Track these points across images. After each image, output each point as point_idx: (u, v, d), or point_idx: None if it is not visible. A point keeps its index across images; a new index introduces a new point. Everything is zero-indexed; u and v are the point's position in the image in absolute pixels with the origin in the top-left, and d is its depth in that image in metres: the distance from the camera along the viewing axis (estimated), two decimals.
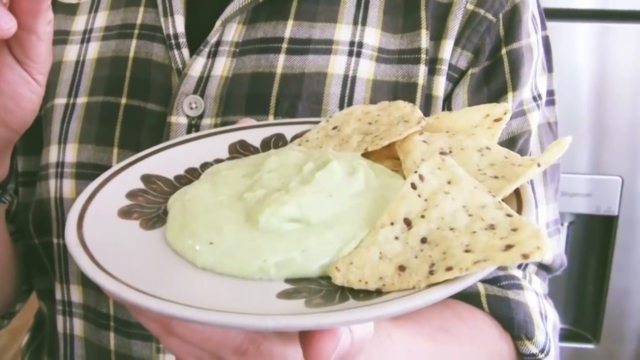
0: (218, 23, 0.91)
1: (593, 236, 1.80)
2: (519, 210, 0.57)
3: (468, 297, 0.90)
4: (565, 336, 1.82)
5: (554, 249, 1.00)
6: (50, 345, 1.05)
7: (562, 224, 1.29)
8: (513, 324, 0.89)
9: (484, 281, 0.92)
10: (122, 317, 0.94)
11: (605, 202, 1.70)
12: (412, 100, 0.90)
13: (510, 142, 0.93)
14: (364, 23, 0.92)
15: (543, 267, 1.01)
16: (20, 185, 1.02)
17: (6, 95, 0.71)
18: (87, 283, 0.96)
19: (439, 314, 0.85)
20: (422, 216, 0.54)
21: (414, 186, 0.56)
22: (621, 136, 1.68)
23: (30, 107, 0.73)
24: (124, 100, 0.94)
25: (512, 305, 0.90)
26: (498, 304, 0.90)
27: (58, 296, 0.99)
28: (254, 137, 0.76)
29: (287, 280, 0.54)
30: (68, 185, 0.94)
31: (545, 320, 0.94)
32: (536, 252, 0.47)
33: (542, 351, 0.90)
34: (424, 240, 0.53)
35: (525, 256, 0.47)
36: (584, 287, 1.83)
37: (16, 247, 1.04)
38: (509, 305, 0.90)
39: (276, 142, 0.75)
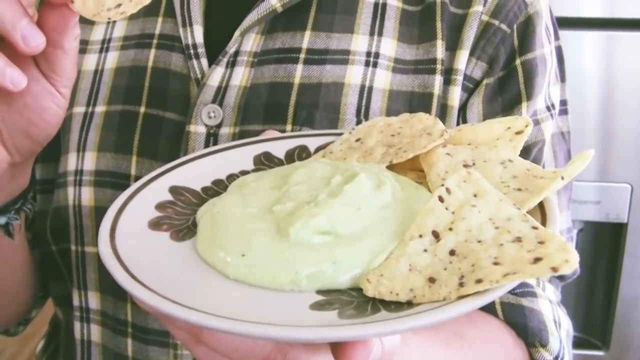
0: (237, 33, 0.92)
1: (602, 243, 1.80)
2: (543, 222, 0.58)
3: None
4: (574, 343, 1.79)
5: (577, 257, 1.01)
6: (67, 351, 1.05)
7: None
8: (527, 331, 0.90)
9: None
10: (139, 323, 0.95)
11: (614, 209, 1.70)
12: (427, 110, 0.91)
13: (524, 151, 0.94)
14: (380, 34, 0.93)
15: (556, 275, 1.02)
16: (38, 192, 1.03)
17: (31, 109, 0.71)
18: (104, 290, 0.97)
19: (454, 320, 0.85)
20: (450, 229, 0.55)
21: (441, 199, 0.57)
22: (629, 143, 1.68)
23: (54, 119, 0.73)
24: (142, 109, 0.94)
25: (526, 313, 0.91)
26: (512, 311, 0.91)
27: (75, 302, 0.99)
28: (278, 148, 0.77)
29: (319, 292, 0.55)
30: (86, 193, 0.95)
31: (559, 327, 0.95)
32: (565, 265, 0.48)
33: (556, 358, 0.91)
34: (452, 253, 0.54)
35: (554, 269, 0.48)
36: (593, 294, 1.83)
37: (33, 254, 1.04)
38: (523, 313, 0.91)
39: (300, 153, 0.76)
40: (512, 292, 0.93)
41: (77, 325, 1.00)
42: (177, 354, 0.93)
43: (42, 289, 1.10)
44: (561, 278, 1.03)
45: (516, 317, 0.91)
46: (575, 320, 1.81)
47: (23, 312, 1.10)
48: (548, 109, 0.97)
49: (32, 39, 0.64)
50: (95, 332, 0.99)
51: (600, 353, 1.82)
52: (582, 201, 1.68)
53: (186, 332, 0.57)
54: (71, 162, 0.97)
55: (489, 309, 0.91)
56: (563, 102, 1.02)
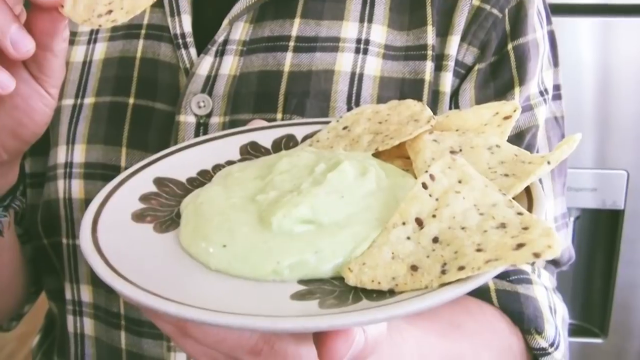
0: (225, 22, 0.91)
1: (599, 231, 1.80)
2: (530, 208, 0.57)
3: (478, 292, 0.90)
4: (573, 331, 1.80)
5: (562, 243, 1.01)
6: (60, 345, 1.05)
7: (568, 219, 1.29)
8: (523, 318, 0.90)
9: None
10: (132, 316, 0.94)
11: (610, 196, 1.70)
12: (419, 96, 0.90)
13: (518, 137, 0.93)
14: (370, 20, 0.92)
15: (551, 261, 1.01)
16: (28, 186, 1.02)
17: (20, 110, 0.71)
18: (97, 283, 0.97)
19: (449, 309, 0.85)
20: (434, 216, 0.54)
21: (425, 186, 0.56)
22: (626, 130, 1.68)
23: (43, 119, 0.73)
24: (131, 100, 0.94)
25: (522, 300, 0.91)
26: (508, 299, 0.90)
27: (68, 296, 0.99)
28: (265, 138, 0.76)
29: (301, 282, 0.54)
30: (77, 185, 0.95)
31: (555, 314, 0.94)
32: (547, 251, 0.47)
33: (552, 345, 0.91)
34: (435, 240, 0.53)
35: (536, 255, 0.47)
36: (591, 282, 1.83)
37: (24, 249, 1.04)
38: (519, 300, 0.91)
39: (287, 142, 0.75)
40: (507, 279, 0.92)
41: (70, 318, 1.00)
42: (170, 345, 0.92)
43: (35, 284, 1.09)
44: (556, 264, 1.03)
45: (512, 304, 0.90)
46: (573, 308, 1.82)
47: (15, 308, 1.10)
48: (541, 93, 0.97)
49: (22, 45, 0.63)
50: (89, 326, 0.99)
51: (599, 340, 1.82)
52: (578, 188, 1.68)
53: (172, 325, 0.57)
54: (61, 155, 0.96)
55: (484, 296, 0.91)
56: (556, 87, 1.02)
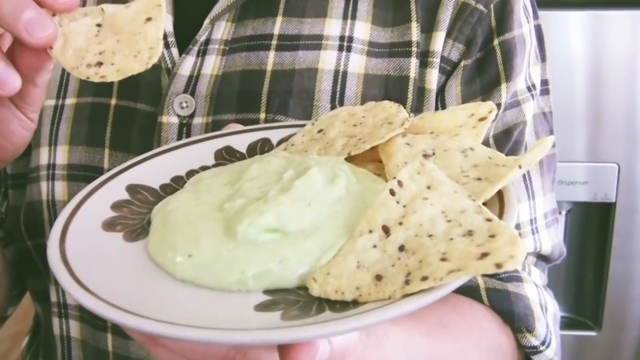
0: (207, 21, 0.90)
1: (591, 224, 1.81)
2: (501, 213, 0.56)
3: (467, 290, 0.90)
4: (566, 324, 1.81)
5: (552, 238, 1.00)
6: (47, 347, 1.04)
7: (560, 213, 1.29)
8: (513, 316, 0.89)
9: (483, 274, 0.91)
10: None
11: (602, 189, 1.71)
12: (404, 93, 0.89)
13: (506, 133, 0.93)
14: (353, 17, 0.91)
15: (542, 258, 1.00)
16: (10, 187, 1.02)
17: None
18: None
19: (437, 309, 0.84)
20: (400, 223, 0.53)
21: (392, 192, 0.55)
22: (617, 123, 1.68)
23: (22, 141, 0.73)
24: (113, 101, 0.93)
25: (512, 298, 0.90)
26: (498, 297, 0.90)
27: (53, 298, 0.98)
28: (241, 142, 0.75)
29: (266, 292, 0.53)
30: (60, 187, 0.94)
31: (546, 311, 0.94)
32: (509, 262, 0.46)
33: (543, 343, 0.90)
34: (401, 248, 0.52)
35: (498, 265, 0.46)
36: (583, 275, 1.84)
37: (6, 252, 1.03)
38: (509, 298, 0.90)
39: (262, 146, 0.74)
40: (497, 277, 0.92)
41: (55, 321, 0.99)
42: None
43: (17, 286, 1.08)
44: (547, 261, 1.02)
45: (502, 303, 0.90)
46: (566, 301, 1.82)
47: None
48: (529, 89, 0.95)
49: (9, 82, 0.62)
50: (74, 328, 0.98)
51: (592, 333, 1.83)
52: (570, 182, 1.69)
53: (141, 334, 0.56)
54: (43, 156, 0.95)
55: (474, 295, 0.90)
56: (544, 82, 1.01)
